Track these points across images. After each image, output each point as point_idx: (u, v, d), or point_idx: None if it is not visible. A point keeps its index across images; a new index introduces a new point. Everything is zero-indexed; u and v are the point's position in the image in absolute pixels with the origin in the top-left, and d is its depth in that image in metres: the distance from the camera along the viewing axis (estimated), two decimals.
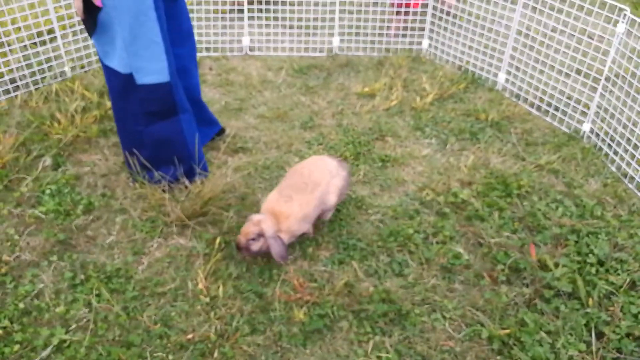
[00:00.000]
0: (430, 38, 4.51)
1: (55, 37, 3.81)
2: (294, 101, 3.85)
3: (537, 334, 2.19)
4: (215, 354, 2.11)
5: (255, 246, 2.40)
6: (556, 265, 2.49)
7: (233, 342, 2.16)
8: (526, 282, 2.46)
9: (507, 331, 2.21)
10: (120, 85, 2.63)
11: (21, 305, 2.25)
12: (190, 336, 2.18)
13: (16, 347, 2.09)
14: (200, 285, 2.36)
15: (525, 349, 2.14)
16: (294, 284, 2.40)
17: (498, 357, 2.15)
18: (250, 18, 4.48)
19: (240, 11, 4.43)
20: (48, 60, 3.80)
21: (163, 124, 2.72)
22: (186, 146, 2.81)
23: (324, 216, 2.69)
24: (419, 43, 4.56)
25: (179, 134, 2.78)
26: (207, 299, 2.32)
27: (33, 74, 3.72)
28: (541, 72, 3.76)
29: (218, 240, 2.57)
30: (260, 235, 2.38)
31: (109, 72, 2.64)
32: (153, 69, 2.57)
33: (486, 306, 2.35)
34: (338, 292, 2.38)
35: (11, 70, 3.64)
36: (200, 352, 2.12)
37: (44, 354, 2.07)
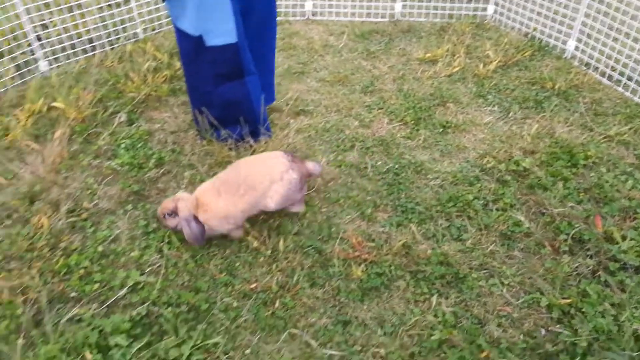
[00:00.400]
0: (496, 4, 4.36)
1: None
2: (355, 65, 3.85)
3: (600, 305, 2.15)
4: (277, 304, 2.21)
5: (171, 222, 2.36)
6: (623, 238, 2.42)
7: (293, 293, 2.26)
8: (590, 254, 2.41)
9: (568, 301, 2.19)
10: (191, 47, 2.72)
11: (100, 248, 2.43)
12: (253, 285, 2.29)
13: (96, 285, 2.26)
14: (262, 239, 2.46)
15: (586, 320, 2.11)
16: (353, 243, 2.46)
17: (557, 326, 2.14)
18: None
19: None
20: (122, 22, 3.97)
21: (230, 85, 2.80)
22: (252, 107, 2.89)
23: (292, 208, 2.53)
24: (484, 9, 4.42)
25: (246, 96, 2.85)
26: (269, 252, 2.42)
27: (108, 35, 3.91)
28: (615, 39, 3.57)
29: None
30: (175, 213, 2.33)
31: (180, 34, 2.73)
32: (222, 31, 2.63)
33: (546, 275, 2.33)
34: (396, 252, 2.42)
35: (89, 31, 3.83)
36: (263, 301, 2.23)
37: (121, 293, 2.24)
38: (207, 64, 2.72)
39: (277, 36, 4.23)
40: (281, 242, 2.45)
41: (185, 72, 2.89)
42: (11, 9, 3.36)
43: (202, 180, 2.79)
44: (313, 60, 3.91)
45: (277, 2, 4.41)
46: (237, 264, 2.38)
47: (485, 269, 2.37)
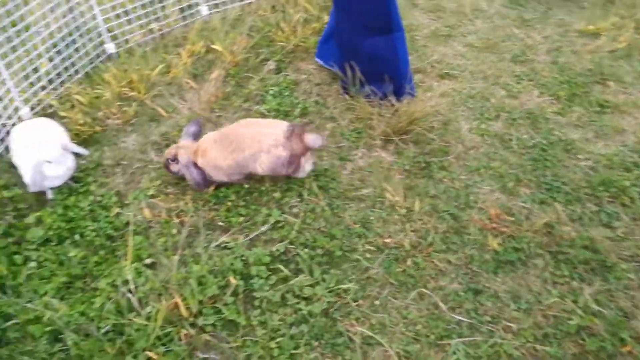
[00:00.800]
0: None
1: None
2: (506, 33, 3.64)
3: None
4: (408, 262, 2.23)
5: (174, 168, 2.52)
6: None
7: (425, 255, 2.26)
8: None
9: None
10: None
11: (245, 185, 2.59)
12: (387, 240, 2.32)
13: (241, 219, 2.43)
14: (398, 197, 2.47)
15: None
16: (491, 214, 2.39)
17: None
18: None
19: None
20: None
21: (379, 40, 2.79)
22: (398, 65, 2.86)
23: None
24: None
25: (392, 52, 2.83)
26: (404, 211, 2.43)
27: None
28: None
29: (419, 158, 2.65)
30: (177, 159, 2.47)
31: None
32: None
33: None
34: (536, 230, 2.32)
35: None
36: (395, 257, 2.26)
37: (263, 229, 2.38)
38: (357, 15, 2.74)
39: None
40: (417, 203, 2.44)
41: (336, 23, 2.93)
42: None
43: (342, 134, 2.86)
44: (461, 24, 3.76)
45: None
46: (372, 218, 2.43)
47: (636, 262, 2.20)
